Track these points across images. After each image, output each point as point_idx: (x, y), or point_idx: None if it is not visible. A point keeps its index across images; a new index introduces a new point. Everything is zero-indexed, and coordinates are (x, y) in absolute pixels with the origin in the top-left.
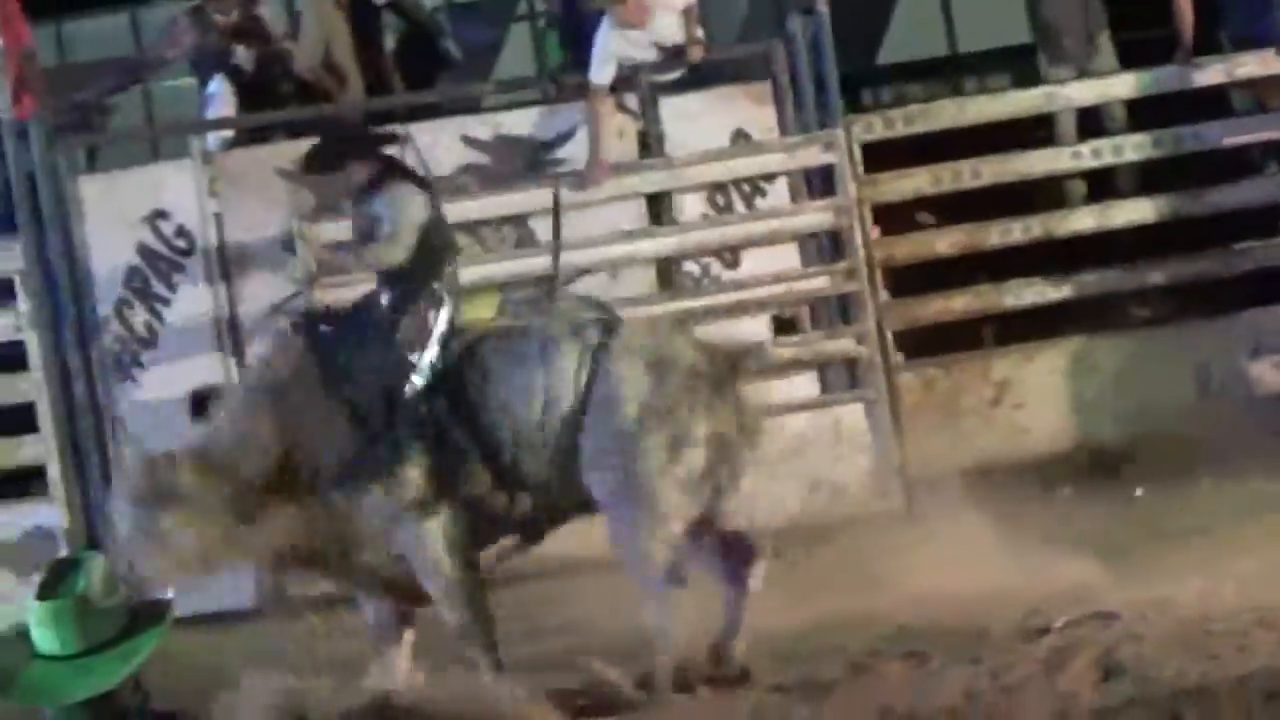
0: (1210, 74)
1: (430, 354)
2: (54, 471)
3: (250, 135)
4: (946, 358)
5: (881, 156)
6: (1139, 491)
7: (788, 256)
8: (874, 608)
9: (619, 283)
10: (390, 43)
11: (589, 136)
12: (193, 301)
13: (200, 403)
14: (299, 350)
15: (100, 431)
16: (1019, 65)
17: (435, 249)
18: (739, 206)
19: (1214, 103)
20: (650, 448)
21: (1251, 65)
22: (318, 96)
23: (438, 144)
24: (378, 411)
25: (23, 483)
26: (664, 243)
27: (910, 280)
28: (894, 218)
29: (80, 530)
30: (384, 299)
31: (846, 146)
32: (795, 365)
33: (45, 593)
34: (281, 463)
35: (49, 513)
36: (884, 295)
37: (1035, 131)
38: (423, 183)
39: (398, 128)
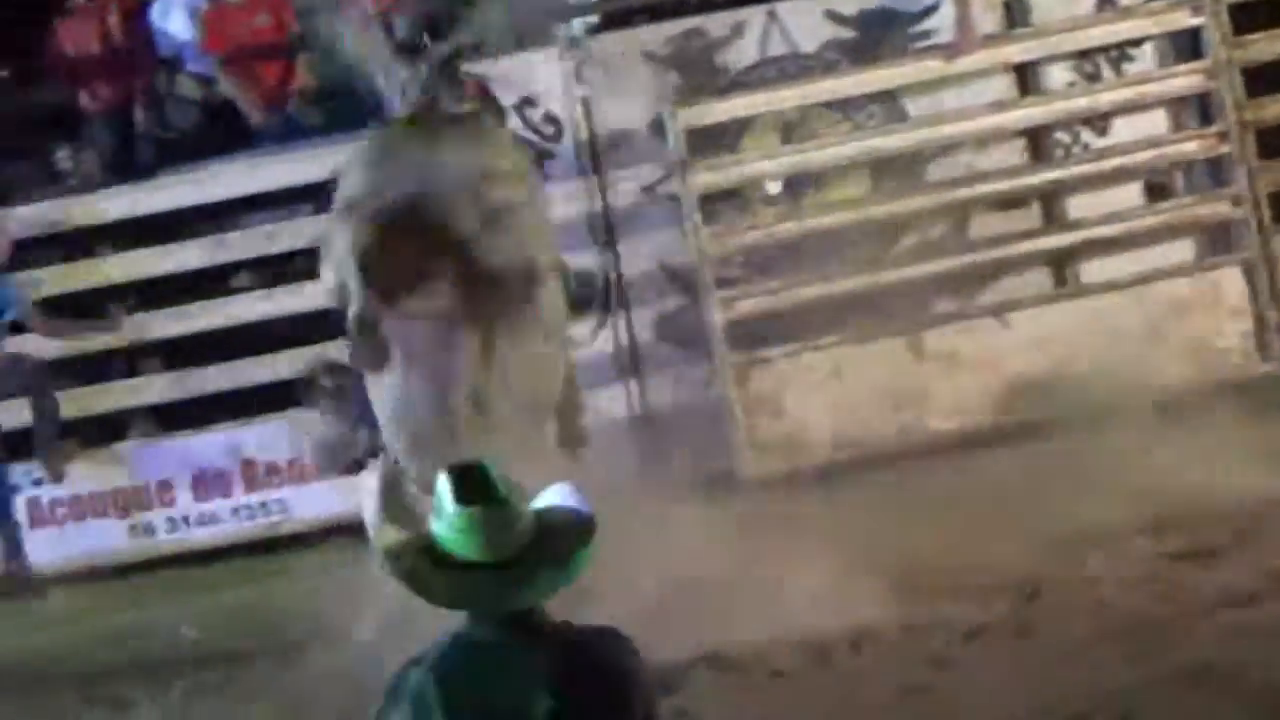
0: None
1: None
2: None
3: (616, 19)
4: None
5: (1252, 17)
6: None
7: (1157, 122)
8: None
9: (988, 155)
10: None
11: (956, 7)
12: (562, 190)
13: (583, 286)
14: None
15: None
16: None
17: None
18: (1107, 73)
19: None
20: None
21: None
22: None
23: (803, 20)
24: None
25: None
26: (1033, 112)
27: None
28: (1263, 79)
29: None
30: None
31: (1214, 8)
32: (1170, 231)
33: (466, 496)
34: None
35: None
36: (1254, 158)
37: None
38: None
39: (759, 7)
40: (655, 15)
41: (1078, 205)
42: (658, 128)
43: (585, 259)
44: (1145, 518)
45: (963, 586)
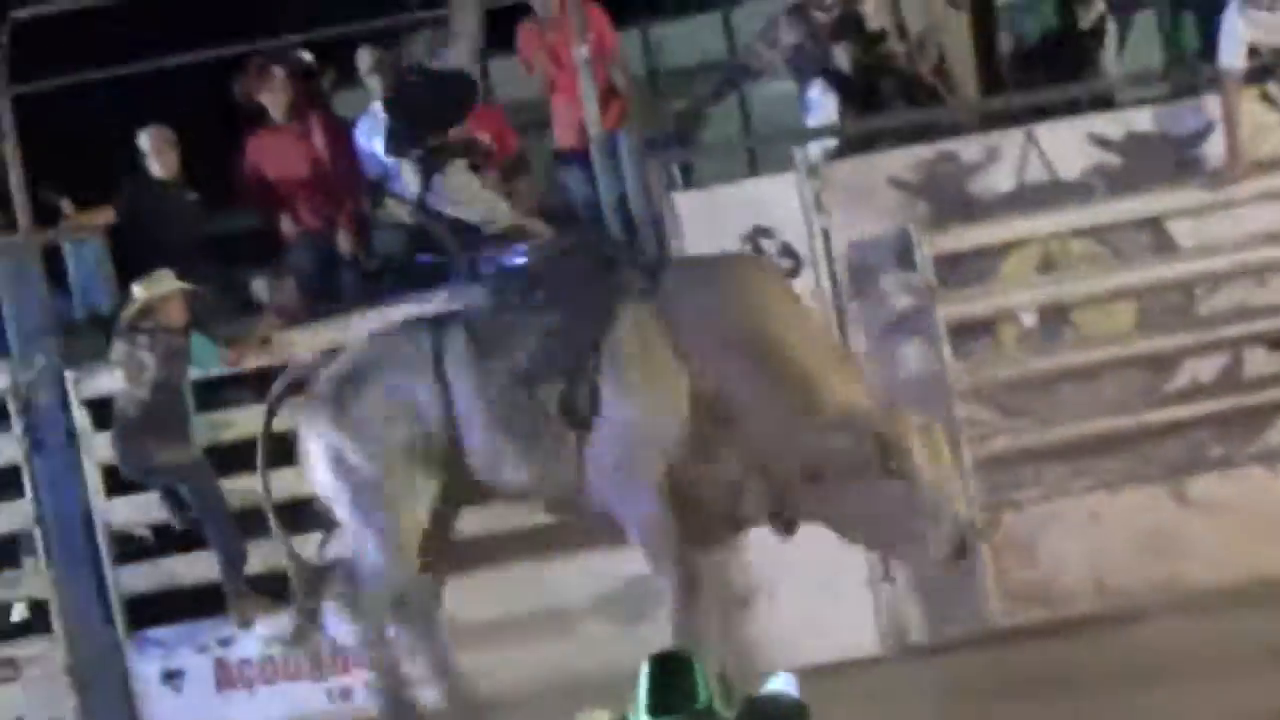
0: None
1: None
2: None
3: (857, 143)
4: None
5: None
6: None
7: None
8: None
9: (1267, 289)
10: (1008, 44)
11: (1226, 131)
12: None
13: None
14: None
15: None
16: None
17: None
18: None
19: None
20: None
21: None
22: (926, 98)
23: (1063, 144)
24: None
25: None
26: None
27: None
28: None
29: None
30: None
31: None
32: None
33: (659, 703)
34: None
35: None
36: None
37: None
38: None
39: (1016, 130)
40: (902, 139)
41: None
42: (904, 258)
43: None
44: None
45: None
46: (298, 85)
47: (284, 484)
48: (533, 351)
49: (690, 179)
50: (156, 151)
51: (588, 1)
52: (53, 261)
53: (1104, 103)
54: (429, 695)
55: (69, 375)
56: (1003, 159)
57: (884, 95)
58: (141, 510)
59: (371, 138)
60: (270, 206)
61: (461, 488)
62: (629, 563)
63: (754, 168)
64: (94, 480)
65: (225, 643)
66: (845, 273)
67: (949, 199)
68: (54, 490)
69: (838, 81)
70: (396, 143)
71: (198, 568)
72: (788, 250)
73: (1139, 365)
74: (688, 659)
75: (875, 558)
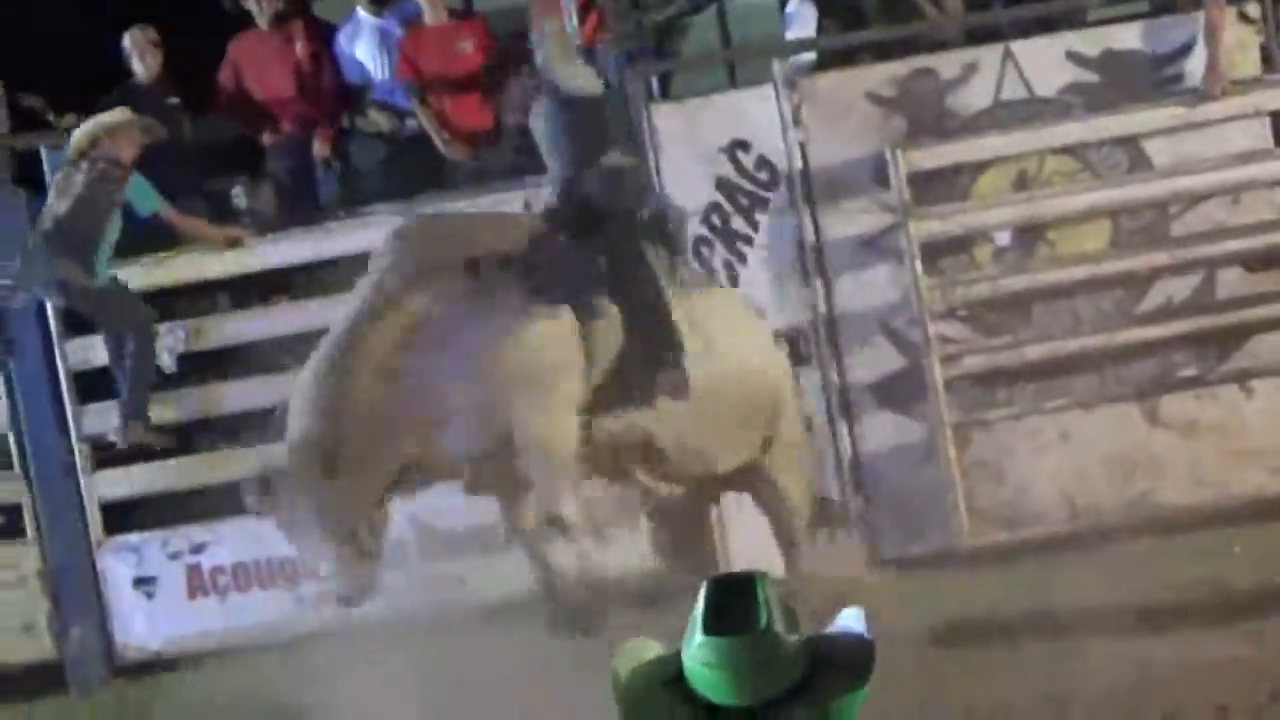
0: None
1: None
2: None
3: (836, 57)
4: None
5: None
6: None
7: None
8: None
9: (1240, 209)
10: None
11: (1205, 50)
12: (777, 239)
13: (787, 347)
14: None
15: None
16: None
17: None
18: None
19: None
20: None
21: None
22: (907, 13)
23: (1041, 61)
24: None
25: None
26: None
27: None
28: None
29: None
30: None
31: None
32: None
33: (718, 623)
34: None
35: None
36: None
37: None
38: None
39: (994, 47)
40: (881, 54)
41: None
42: (880, 173)
43: None
44: None
45: (1200, 685)
46: None
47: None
48: None
49: (669, 91)
50: (140, 53)
51: None
52: (29, 166)
53: (1082, 19)
54: None
55: None
56: (980, 75)
57: (864, 9)
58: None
59: (354, 44)
60: (250, 112)
61: None
62: None
63: (733, 81)
64: (69, 386)
65: (198, 550)
66: (820, 188)
67: (926, 115)
68: (28, 395)
69: None
70: None
71: (172, 475)
72: (764, 163)
73: (1112, 284)
74: (749, 581)
75: (845, 477)
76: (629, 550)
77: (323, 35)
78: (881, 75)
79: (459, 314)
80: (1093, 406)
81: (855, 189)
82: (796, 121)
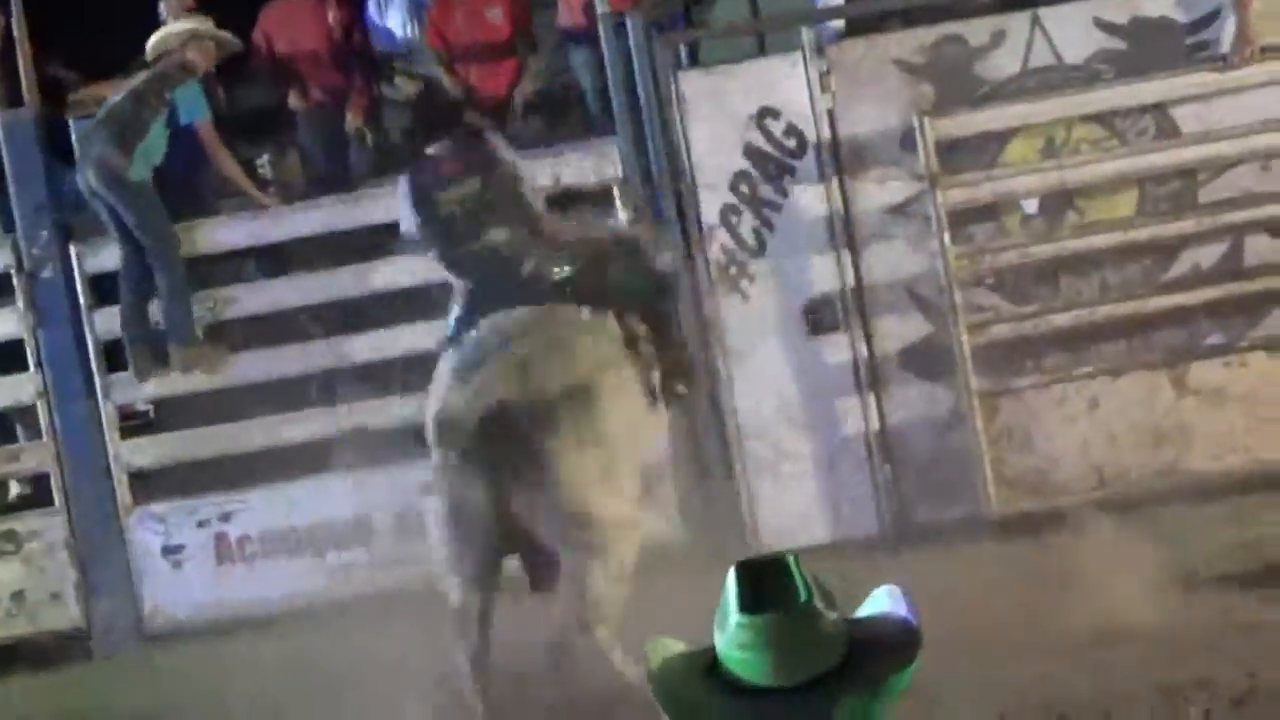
0: None
1: None
2: None
3: (864, 25)
4: None
5: None
6: None
7: None
8: None
9: (1269, 175)
10: None
11: (1234, 16)
12: (805, 206)
13: (815, 316)
14: None
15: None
16: None
17: None
18: None
19: None
20: None
21: None
22: None
23: (1070, 28)
24: None
25: None
26: None
27: None
28: None
29: None
30: None
31: None
32: None
33: (754, 602)
34: None
35: None
36: None
37: None
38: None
39: (1022, 14)
40: (909, 21)
41: None
42: (908, 141)
43: None
44: None
45: (1226, 649)
46: None
47: None
48: None
49: (697, 59)
50: (175, 18)
51: None
52: (59, 137)
53: None
54: None
55: (73, 250)
56: (1008, 43)
57: None
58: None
59: (384, 11)
60: (279, 80)
61: None
62: None
63: (761, 48)
64: (97, 355)
65: (226, 518)
66: (848, 156)
67: (954, 82)
68: (57, 364)
69: None
70: None
71: (200, 444)
72: (792, 131)
73: (1140, 252)
74: (783, 560)
75: (874, 441)
76: None
77: (354, 2)
78: (910, 43)
79: None
80: (1120, 374)
81: (883, 157)
82: (825, 89)
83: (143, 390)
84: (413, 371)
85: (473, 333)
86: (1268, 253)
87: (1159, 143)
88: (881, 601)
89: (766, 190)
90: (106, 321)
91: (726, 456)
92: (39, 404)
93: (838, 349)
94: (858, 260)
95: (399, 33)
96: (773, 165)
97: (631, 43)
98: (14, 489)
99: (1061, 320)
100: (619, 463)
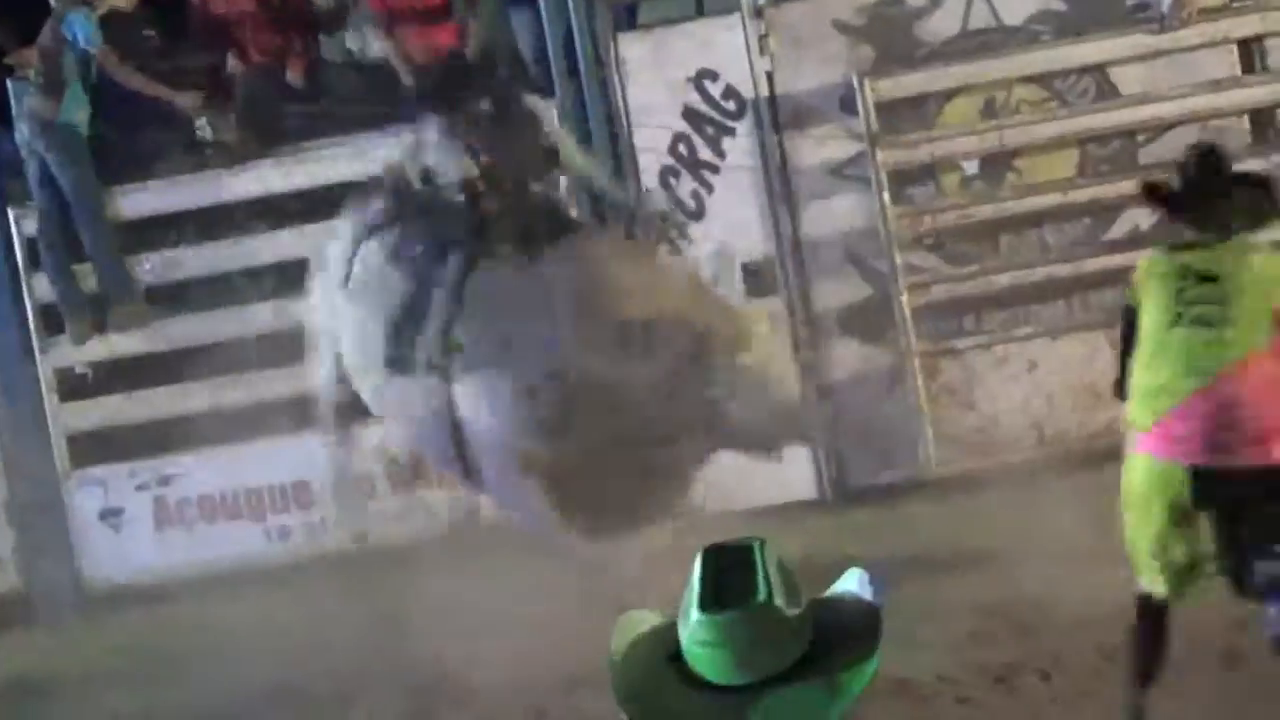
0: None
1: None
2: None
3: None
4: None
5: None
6: None
7: None
8: None
9: (1208, 136)
10: None
11: None
12: (743, 168)
13: (753, 276)
14: None
15: None
16: None
17: None
18: None
19: None
20: None
21: None
22: None
23: None
24: None
25: None
26: (1256, 93)
27: None
28: None
29: None
30: None
31: None
32: None
33: (714, 599)
34: None
35: None
36: None
37: None
38: None
39: None
40: None
41: None
42: (847, 102)
43: None
44: None
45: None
46: None
47: None
48: None
49: (636, 20)
50: None
51: None
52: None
53: None
54: None
55: (11, 213)
56: (948, 4)
57: None
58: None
59: None
60: (218, 41)
61: None
62: None
63: (700, 9)
64: (36, 318)
65: (165, 482)
66: (787, 116)
67: (894, 43)
68: None
69: None
70: None
71: (139, 407)
72: (731, 93)
73: (1080, 212)
74: (747, 550)
75: (816, 404)
76: None
77: None
78: (849, 4)
79: None
80: (1061, 334)
81: (822, 117)
82: (763, 50)
83: (82, 353)
84: None
85: None
86: None
87: (1098, 104)
88: (847, 584)
89: (705, 152)
90: (45, 285)
91: None
92: None
93: (776, 310)
94: (796, 222)
95: None
96: (711, 127)
97: (570, 4)
98: None
99: (1001, 281)
100: None
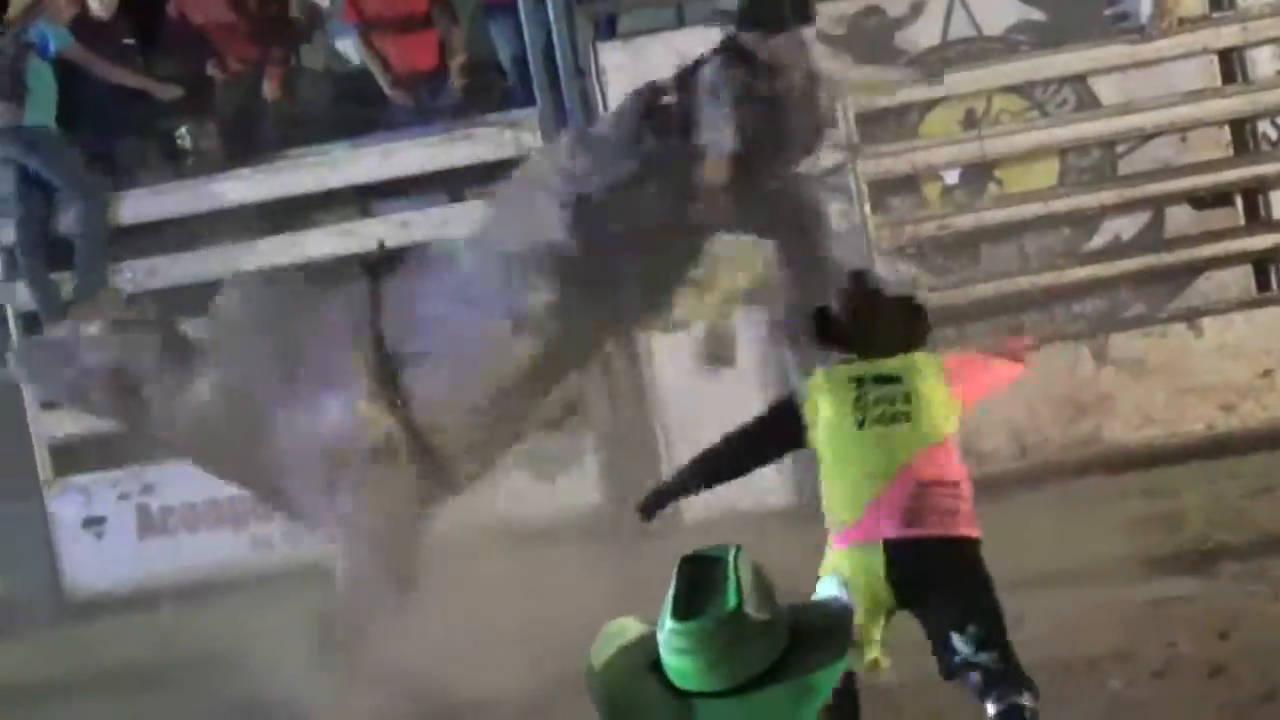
0: None
1: None
2: None
3: None
4: None
5: None
6: None
7: None
8: None
9: (1189, 146)
10: None
11: None
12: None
13: None
14: None
15: None
16: None
17: None
18: None
19: None
20: None
21: None
22: None
23: (990, 0)
24: None
25: None
26: (1236, 102)
27: None
28: None
29: None
30: None
31: None
32: None
33: (685, 608)
34: None
35: None
36: None
37: None
38: None
39: None
40: None
41: None
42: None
43: None
44: None
45: (1145, 621)
46: None
47: None
48: None
49: (616, 30)
50: None
51: None
52: None
53: None
54: None
55: None
56: (929, 13)
57: None
58: None
59: None
60: (197, 51)
61: None
62: None
63: (680, 19)
64: (17, 326)
65: (147, 490)
66: None
67: (875, 53)
68: None
69: None
70: None
71: None
72: None
73: (1060, 222)
74: (719, 559)
75: None
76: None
77: None
78: (830, 13)
79: None
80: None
81: None
82: None
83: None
84: None
85: None
86: (1188, 224)
87: (1079, 114)
88: (830, 587)
89: None
90: (25, 293)
91: (645, 422)
92: None
93: (755, 318)
94: None
95: (322, 3)
96: None
97: (551, 14)
98: None
99: (982, 290)
100: None
